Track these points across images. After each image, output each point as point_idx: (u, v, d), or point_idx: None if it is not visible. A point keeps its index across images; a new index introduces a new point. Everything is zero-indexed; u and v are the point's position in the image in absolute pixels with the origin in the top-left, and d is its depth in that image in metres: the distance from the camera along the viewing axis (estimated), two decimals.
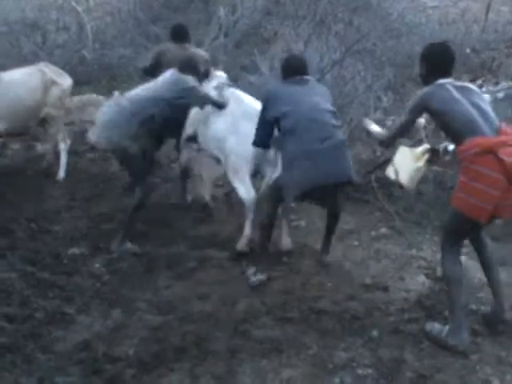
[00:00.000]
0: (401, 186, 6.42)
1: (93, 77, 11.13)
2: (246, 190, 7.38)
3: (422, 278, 6.88)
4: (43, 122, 9.27)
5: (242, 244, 7.40)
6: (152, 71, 8.70)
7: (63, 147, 9.40)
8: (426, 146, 6.22)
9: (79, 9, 15.57)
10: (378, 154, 9.30)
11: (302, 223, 8.36)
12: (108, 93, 11.97)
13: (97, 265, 7.11)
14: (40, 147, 9.97)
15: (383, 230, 8.14)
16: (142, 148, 7.37)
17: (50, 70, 9.32)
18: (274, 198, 6.71)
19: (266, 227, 6.81)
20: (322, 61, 10.99)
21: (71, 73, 11.08)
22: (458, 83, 5.77)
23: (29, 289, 6.65)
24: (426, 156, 6.11)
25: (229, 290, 6.67)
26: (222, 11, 14.38)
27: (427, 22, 15.61)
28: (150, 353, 5.63)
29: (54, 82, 9.27)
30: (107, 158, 10.01)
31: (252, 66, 12.06)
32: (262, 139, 6.73)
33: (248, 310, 6.32)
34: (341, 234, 7.84)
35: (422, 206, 8.44)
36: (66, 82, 9.53)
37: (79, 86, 11.11)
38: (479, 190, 5.33)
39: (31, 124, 9.22)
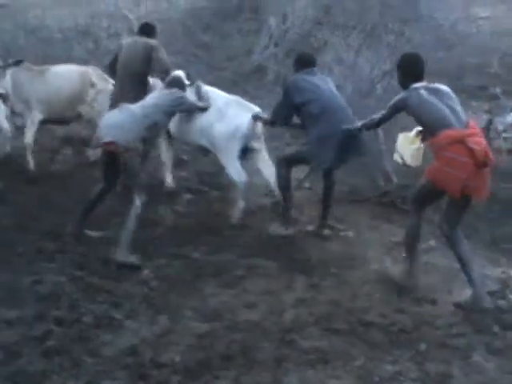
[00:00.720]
0: (408, 166, 7.34)
1: None
2: (237, 173, 8.46)
3: (470, 292, 6.79)
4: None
5: (235, 217, 8.36)
6: (111, 67, 9.07)
7: None
8: (417, 128, 7.11)
9: (131, 16, 15.72)
10: None
11: (350, 234, 8.33)
12: None
13: (145, 271, 7.14)
14: (91, 152, 10.03)
15: (431, 243, 8.08)
16: (145, 151, 7.80)
17: (94, 72, 10.18)
18: (291, 164, 8.16)
19: (286, 188, 8.18)
20: (373, 71, 10.95)
21: None
22: (431, 86, 6.81)
23: (77, 293, 6.71)
24: (420, 136, 7.09)
25: (276, 299, 6.66)
26: (272, 20, 14.40)
27: (478, 33, 15.48)
28: (195, 360, 5.63)
29: (92, 84, 10.08)
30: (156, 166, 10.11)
31: None
32: (282, 119, 8.13)
33: (295, 320, 6.31)
34: (389, 245, 7.81)
35: (470, 218, 8.35)
36: (106, 86, 9.96)
37: None
38: (451, 173, 6.44)
39: (67, 115, 10.13)
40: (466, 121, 6.70)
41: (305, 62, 8.21)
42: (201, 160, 9.83)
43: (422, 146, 7.13)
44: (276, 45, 14.23)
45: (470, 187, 6.48)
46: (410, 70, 6.91)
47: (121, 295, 6.67)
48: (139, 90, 8.43)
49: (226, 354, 5.72)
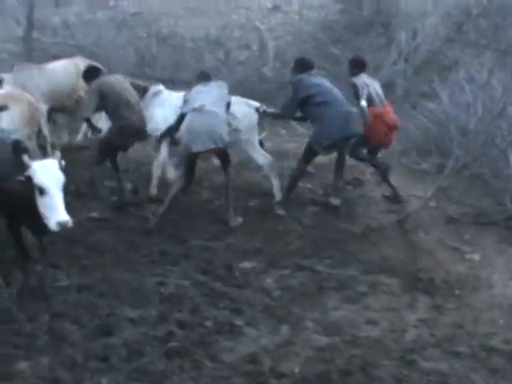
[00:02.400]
0: None
1: (271, 95, 11.33)
2: (262, 156, 9.38)
3: None
4: None
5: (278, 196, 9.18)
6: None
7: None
8: None
9: (262, 27, 15.87)
10: None
11: (476, 256, 8.13)
12: None
13: (268, 280, 7.16)
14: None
15: None
16: None
17: (82, 63, 10.96)
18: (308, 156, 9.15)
19: (297, 179, 9.20)
20: (505, 92, 10.63)
21: (250, 89, 11.42)
22: None
23: (200, 297, 6.81)
24: None
25: (398, 317, 6.58)
26: (402, 36, 14.25)
27: None
28: (315, 372, 5.62)
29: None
30: (283, 175, 10.14)
31: (431, 93, 11.87)
32: (290, 111, 9.34)
33: (416, 340, 6.21)
34: None
35: None
36: None
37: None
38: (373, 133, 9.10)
39: (68, 103, 11.01)
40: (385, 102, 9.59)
41: (306, 66, 9.37)
42: (327, 173, 9.79)
43: None
44: (406, 61, 14.06)
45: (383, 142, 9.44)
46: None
47: (242, 302, 6.71)
48: None
49: (346, 368, 5.68)
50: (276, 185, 9.23)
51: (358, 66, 9.91)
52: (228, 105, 8.83)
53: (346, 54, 14.23)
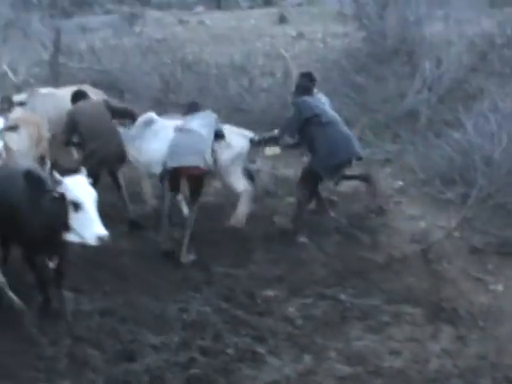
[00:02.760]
0: None
1: None
2: (242, 184, 9.13)
3: None
4: None
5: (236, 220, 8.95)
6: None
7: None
8: None
9: (286, 55, 15.91)
10: None
11: (500, 287, 8.07)
12: None
13: (290, 308, 7.14)
14: None
15: None
16: None
17: (89, 90, 10.86)
18: (307, 185, 9.08)
19: (304, 204, 9.09)
20: None
21: (274, 116, 11.44)
22: None
23: (222, 324, 6.82)
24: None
25: (421, 347, 6.55)
26: (426, 65, 14.23)
27: None
28: None
29: None
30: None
31: (456, 122, 11.84)
32: (292, 132, 9.15)
33: (439, 371, 6.19)
34: None
35: None
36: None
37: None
38: None
39: None
40: None
41: (306, 89, 9.44)
42: (351, 202, 9.78)
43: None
44: (430, 89, 13.98)
45: None
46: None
47: (265, 330, 6.71)
48: None
49: None
50: (242, 210, 9.04)
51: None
52: (219, 133, 8.87)
53: (370, 82, 14.28)
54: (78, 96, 9.70)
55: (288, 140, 9.38)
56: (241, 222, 8.99)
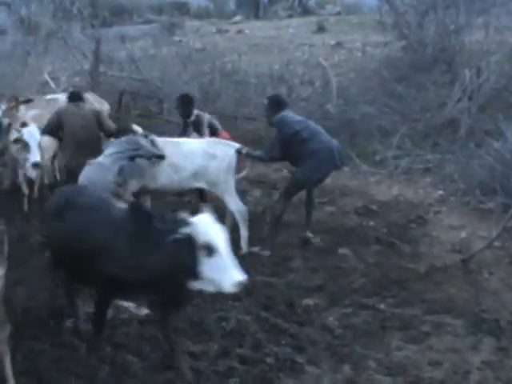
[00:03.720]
0: None
1: (334, 131, 11.27)
2: (235, 203, 9.03)
3: None
4: None
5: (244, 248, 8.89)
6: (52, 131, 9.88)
7: None
8: None
9: (325, 64, 15.93)
10: None
11: None
12: (350, 148, 12.16)
13: (330, 318, 7.10)
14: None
15: None
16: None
17: (92, 97, 11.84)
18: (289, 196, 9.08)
19: (278, 219, 8.99)
20: None
21: None
22: None
23: (261, 333, 6.77)
24: None
25: (462, 359, 6.43)
26: (466, 74, 14.14)
27: None
28: None
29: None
30: (346, 213, 10.13)
31: (496, 131, 11.74)
32: (278, 153, 8.99)
33: (481, 382, 6.08)
34: None
35: None
36: (102, 107, 11.67)
37: None
38: None
39: None
40: None
41: (282, 104, 9.26)
42: (391, 211, 9.75)
43: None
44: (470, 98, 13.91)
45: None
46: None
47: (304, 340, 6.66)
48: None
49: None
50: (244, 236, 8.96)
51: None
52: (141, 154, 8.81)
53: (410, 91, 14.22)
54: (73, 96, 9.86)
55: (274, 158, 9.37)
56: (247, 248, 8.91)
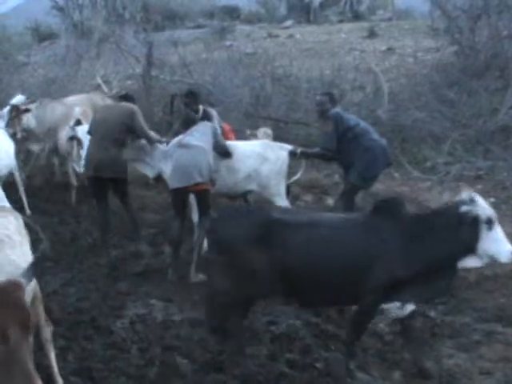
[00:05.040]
0: None
1: (385, 137, 11.20)
2: (286, 206, 8.96)
3: None
4: None
5: None
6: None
7: None
8: None
9: (377, 69, 15.87)
10: None
11: None
12: (400, 154, 12.10)
13: (380, 324, 7.06)
14: (329, 200, 10.22)
15: None
16: None
17: (97, 97, 12.84)
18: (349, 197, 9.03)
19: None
20: None
21: None
22: None
23: (311, 338, 6.77)
24: None
25: None
26: None
27: None
28: None
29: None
30: None
31: None
32: (332, 145, 8.96)
33: None
34: None
35: None
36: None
37: None
38: None
39: None
40: None
41: (336, 100, 9.46)
42: None
43: None
44: None
45: None
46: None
47: (354, 345, 6.64)
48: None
49: None
50: None
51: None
52: (216, 143, 8.87)
53: (462, 97, 14.10)
54: (121, 98, 10.02)
55: (329, 153, 9.19)
56: None
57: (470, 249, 5.75)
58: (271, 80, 16.51)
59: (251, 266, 5.84)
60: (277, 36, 23.18)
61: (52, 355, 5.81)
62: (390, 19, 25.52)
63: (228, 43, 21.83)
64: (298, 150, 9.29)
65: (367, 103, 14.74)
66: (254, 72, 17.15)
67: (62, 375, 5.86)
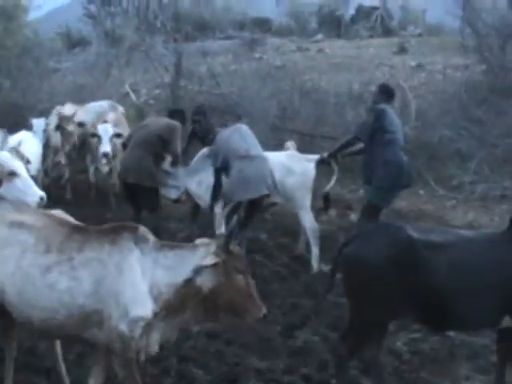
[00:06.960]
0: None
1: (411, 154, 11.18)
2: (309, 220, 9.03)
3: None
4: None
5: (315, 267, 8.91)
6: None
7: None
8: None
9: (405, 86, 15.82)
10: None
11: None
12: (426, 171, 12.04)
13: (398, 342, 7.01)
14: (353, 216, 10.19)
15: None
16: None
17: (107, 105, 13.43)
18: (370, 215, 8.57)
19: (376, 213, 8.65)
20: None
21: None
22: None
23: (328, 353, 6.72)
24: None
25: None
26: None
27: None
28: None
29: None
30: None
31: None
32: (366, 135, 8.60)
33: None
34: None
35: None
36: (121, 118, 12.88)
37: None
38: None
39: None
40: None
41: (390, 95, 9.01)
42: None
43: None
44: None
45: None
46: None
47: (371, 363, 6.59)
48: None
49: None
50: (315, 254, 8.94)
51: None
52: None
53: (490, 115, 14.01)
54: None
55: (357, 143, 8.97)
56: (317, 267, 8.92)
57: None
58: (299, 94, 16.52)
59: (395, 288, 5.56)
60: (307, 49, 23.17)
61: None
62: (420, 35, 25.41)
63: (257, 55, 21.84)
64: (325, 154, 9.11)
65: None
66: (282, 85, 17.17)
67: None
